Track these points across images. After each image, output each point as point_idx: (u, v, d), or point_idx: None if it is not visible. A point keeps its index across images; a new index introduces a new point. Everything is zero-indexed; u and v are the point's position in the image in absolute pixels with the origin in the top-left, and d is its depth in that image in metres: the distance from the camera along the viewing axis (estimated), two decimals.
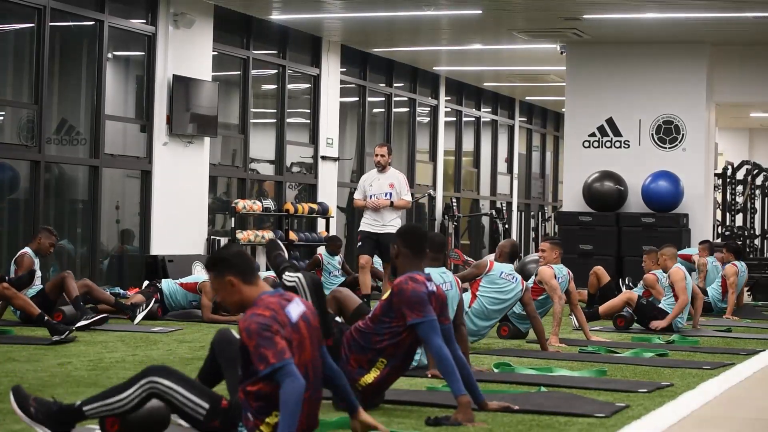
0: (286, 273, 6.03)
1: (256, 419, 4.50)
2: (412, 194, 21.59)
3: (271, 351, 4.37)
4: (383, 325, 5.79)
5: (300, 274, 6.03)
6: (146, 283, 12.10)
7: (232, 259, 4.61)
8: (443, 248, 7.58)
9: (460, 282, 7.71)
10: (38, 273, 10.59)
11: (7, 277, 9.74)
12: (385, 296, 5.89)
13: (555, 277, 9.85)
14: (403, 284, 5.76)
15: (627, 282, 14.79)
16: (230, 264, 4.60)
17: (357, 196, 12.79)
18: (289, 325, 4.48)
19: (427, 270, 6.23)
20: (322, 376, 4.70)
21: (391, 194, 12.53)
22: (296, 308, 4.57)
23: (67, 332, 8.89)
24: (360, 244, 12.60)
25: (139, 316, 10.66)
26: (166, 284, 11.41)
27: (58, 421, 4.70)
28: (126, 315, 10.78)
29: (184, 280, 11.55)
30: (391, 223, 12.39)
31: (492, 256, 9.72)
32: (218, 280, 4.61)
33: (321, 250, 15.94)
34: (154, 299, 10.99)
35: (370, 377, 5.82)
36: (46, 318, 9.09)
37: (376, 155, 12.70)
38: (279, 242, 6.87)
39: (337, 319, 6.15)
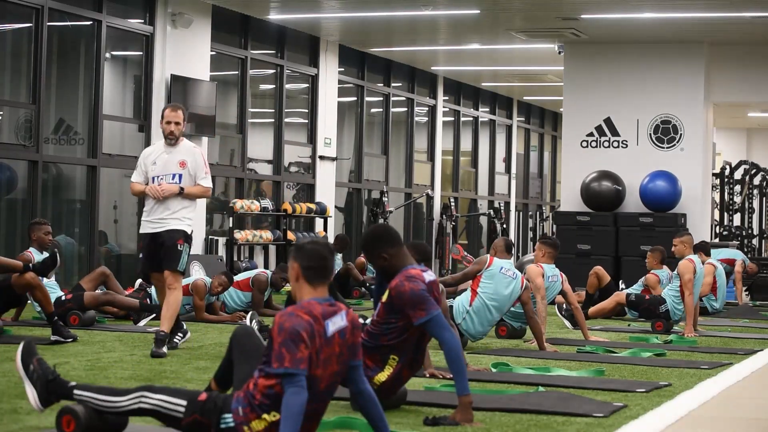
0: None
1: (252, 413, 4.48)
2: (410, 194, 21.81)
3: (290, 355, 4.38)
4: (389, 326, 5.85)
5: None
6: (138, 282, 11.96)
7: (308, 253, 4.60)
8: (429, 257, 7.45)
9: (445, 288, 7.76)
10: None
11: (30, 265, 9.48)
12: (384, 298, 5.88)
13: (542, 276, 9.87)
14: (400, 286, 5.76)
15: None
16: (303, 256, 4.60)
17: (135, 178, 8.81)
18: (322, 337, 4.48)
19: None
20: (335, 389, 4.68)
21: (180, 176, 8.62)
22: (337, 322, 4.56)
23: (71, 339, 8.83)
24: (141, 255, 8.84)
25: (144, 320, 10.61)
26: None
27: (48, 389, 4.91)
28: (137, 315, 10.74)
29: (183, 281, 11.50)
30: (176, 216, 8.60)
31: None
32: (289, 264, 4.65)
33: None
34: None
35: (383, 375, 5.87)
36: (55, 318, 9.01)
37: (169, 122, 8.65)
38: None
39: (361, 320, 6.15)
